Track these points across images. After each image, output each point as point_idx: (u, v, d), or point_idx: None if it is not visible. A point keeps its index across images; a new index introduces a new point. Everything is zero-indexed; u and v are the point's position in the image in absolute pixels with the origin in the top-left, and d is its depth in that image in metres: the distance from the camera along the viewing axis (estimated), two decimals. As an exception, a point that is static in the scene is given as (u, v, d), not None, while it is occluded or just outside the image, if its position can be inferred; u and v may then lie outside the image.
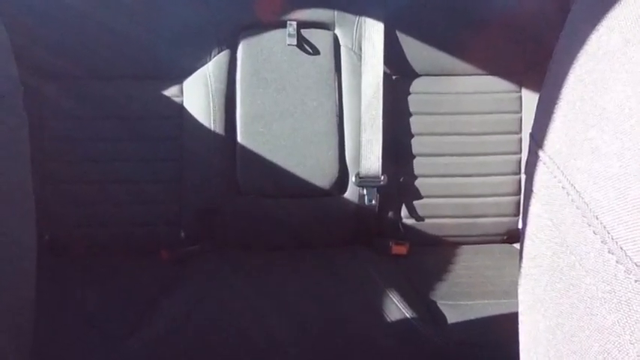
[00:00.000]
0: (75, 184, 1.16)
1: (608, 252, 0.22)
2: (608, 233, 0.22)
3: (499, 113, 1.22)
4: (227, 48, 1.20)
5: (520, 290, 0.33)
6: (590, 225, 0.24)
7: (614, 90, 0.23)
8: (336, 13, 1.22)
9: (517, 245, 1.21)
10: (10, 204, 0.41)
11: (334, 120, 1.20)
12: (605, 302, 0.23)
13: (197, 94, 1.19)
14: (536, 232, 0.30)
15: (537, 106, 0.32)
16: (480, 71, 1.22)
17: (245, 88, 1.19)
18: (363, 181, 1.19)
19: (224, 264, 1.10)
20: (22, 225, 0.43)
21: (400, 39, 1.22)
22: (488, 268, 1.13)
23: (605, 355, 0.22)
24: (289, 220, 1.19)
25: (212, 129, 1.18)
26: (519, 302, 0.33)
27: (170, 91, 1.19)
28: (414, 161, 1.22)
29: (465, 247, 1.23)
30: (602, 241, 0.23)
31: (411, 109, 1.22)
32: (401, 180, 1.22)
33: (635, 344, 0.21)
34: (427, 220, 1.23)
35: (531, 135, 0.32)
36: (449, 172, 1.22)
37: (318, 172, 1.20)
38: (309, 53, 1.21)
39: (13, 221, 0.42)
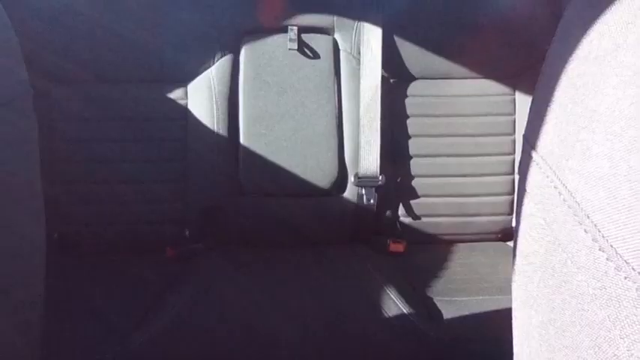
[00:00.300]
0: (83, 184, 1.16)
1: (599, 250, 0.22)
2: (599, 232, 0.22)
3: (493, 115, 1.22)
4: (230, 52, 1.21)
5: (514, 287, 0.33)
6: (581, 224, 0.24)
7: (604, 93, 0.23)
8: (335, 18, 1.23)
9: (511, 243, 1.21)
10: (20, 203, 0.41)
11: (334, 122, 1.21)
12: (595, 298, 0.23)
13: (201, 97, 1.19)
14: (529, 230, 0.30)
15: (530, 109, 0.32)
16: (474, 74, 1.22)
17: (247, 91, 1.20)
18: (361, 181, 1.19)
19: (227, 261, 1.10)
20: (31, 223, 0.43)
21: (398, 43, 1.22)
22: (483, 265, 1.13)
23: (596, 349, 0.23)
24: (290, 218, 1.19)
25: (215, 130, 1.18)
26: (513, 298, 0.33)
27: (175, 94, 1.20)
28: (411, 162, 1.22)
29: (460, 245, 1.23)
30: (593, 240, 0.23)
31: (408, 112, 1.22)
32: (398, 180, 1.22)
33: (625, 339, 0.21)
34: (424, 219, 1.23)
35: (524, 136, 0.32)
36: (445, 172, 1.22)
37: (318, 172, 1.20)
38: (309, 57, 1.21)
39: (23, 220, 0.42)
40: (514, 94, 1.22)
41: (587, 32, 0.25)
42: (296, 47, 1.20)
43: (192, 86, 1.20)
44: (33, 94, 0.42)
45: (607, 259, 0.22)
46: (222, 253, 1.13)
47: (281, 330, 0.87)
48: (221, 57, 1.20)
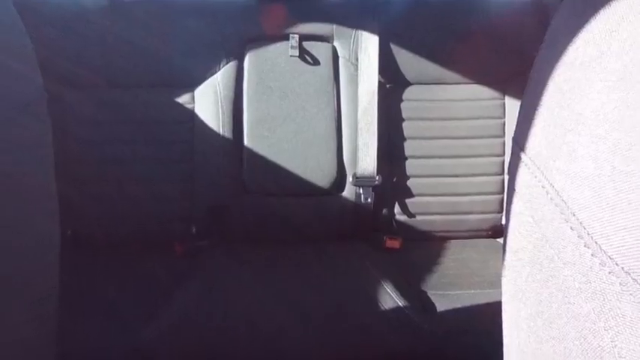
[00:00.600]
0: (95, 184, 1.16)
1: (584, 246, 0.22)
2: (584, 229, 0.22)
3: (484, 119, 1.22)
4: (234, 59, 1.21)
5: (503, 281, 0.33)
6: (567, 221, 0.24)
7: (589, 97, 0.23)
8: (334, 27, 1.23)
9: (501, 240, 1.21)
10: (36, 202, 0.41)
11: (333, 125, 1.21)
12: (581, 292, 0.23)
13: (207, 101, 1.19)
14: (518, 227, 0.30)
15: (519, 112, 0.32)
16: (466, 80, 1.22)
17: (251, 96, 1.20)
18: (359, 181, 1.19)
19: (232, 257, 1.10)
20: (46, 221, 0.43)
21: (393, 51, 1.22)
22: (474, 260, 1.13)
23: (582, 340, 0.23)
24: (291, 216, 1.20)
25: (221, 133, 1.18)
26: (503, 292, 0.33)
27: (182, 99, 1.20)
28: (407, 163, 1.22)
29: (453, 241, 1.23)
30: (578, 236, 0.23)
31: (404, 115, 1.22)
32: (394, 180, 1.22)
33: (609, 330, 0.21)
34: (418, 217, 1.23)
35: (514, 139, 0.32)
36: (438, 172, 1.22)
37: (318, 172, 1.20)
38: (309, 64, 1.21)
39: (38, 218, 0.42)
40: (504, 99, 1.22)
41: (573, 40, 0.25)
42: (297, 54, 1.20)
43: (199, 91, 1.20)
44: (47, 98, 0.42)
45: (592, 254, 0.22)
46: (227, 249, 1.14)
47: (283, 323, 0.87)
48: (226, 63, 1.20)
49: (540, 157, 0.27)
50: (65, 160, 1.13)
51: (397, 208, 1.23)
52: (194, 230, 1.17)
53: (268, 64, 1.20)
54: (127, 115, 1.18)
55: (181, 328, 0.85)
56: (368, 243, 1.18)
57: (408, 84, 1.23)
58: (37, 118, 0.40)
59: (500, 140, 1.22)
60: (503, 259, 0.33)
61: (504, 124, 1.22)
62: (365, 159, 1.19)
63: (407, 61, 1.22)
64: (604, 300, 0.21)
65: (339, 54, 1.23)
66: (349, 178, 1.21)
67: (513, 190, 0.31)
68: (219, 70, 1.20)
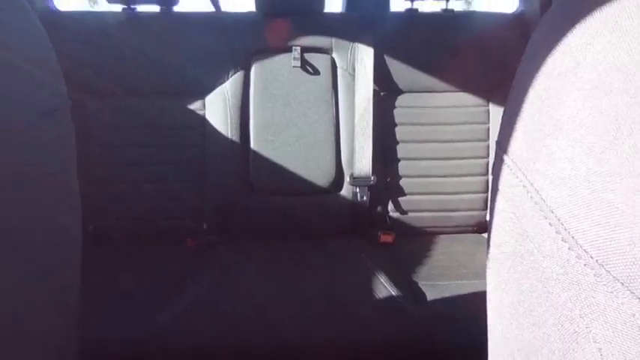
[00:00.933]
0: (114, 184, 1.16)
1: (562, 240, 0.22)
2: (562, 225, 0.22)
3: (470, 124, 1.22)
4: (242, 69, 1.21)
5: (488, 272, 0.33)
6: (546, 218, 0.24)
7: (566, 104, 0.23)
8: (333, 40, 1.23)
9: (485, 235, 1.21)
10: (60, 200, 0.41)
11: (332, 129, 1.21)
12: (559, 282, 0.23)
13: (217, 108, 1.19)
14: (501, 223, 0.30)
15: (502, 118, 0.32)
16: (454, 89, 1.22)
17: (257, 103, 1.20)
18: (356, 180, 1.19)
19: (239, 251, 1.10)
20: (69, 218, 0.43)
21: (387, 62, 1.22)
22: (461, 254, 1.13)
23: (559, 326, 0.23)
24: (294, 213, 1.20)
25: (229, 137, 1.18)
26: (487, 282, 0.33)
27: (194, 106, 1.20)
28: (399, 164, 1.22)
29: (441, 236, 1.23)
30: (556, 232, 0.23)
31: (397, 121, 1.22)
32: (388, 180, 1.22)
33: (584, 317, 0.21)
34: (410, 214, 1.23)
35: (497, 142, 0.32)
36: (428, 173, 1.22)
37: (318, 173, 1.20)
38: (310, 74, 1.22)
39: (62, 215, 0.42)
40: (488, 106, 1.22)
41: (552, 52, 0.25)
42: (299, 65, 1.20)
43: (209, 99, 1.20)
44: (70, 105, 0.42)
45: (569, 248, 0.22)
46: (235, 244, 1.14)
47: (285, 311, 0.87)
48: (234, 73, 1.20)
49: (521, 159, 0.27)
50: (87, 162, 1.14)
51: (391, 206, 1.23)
52: (205, 226, 1.17)
53: (272, 74, 1.21)
54: (143, 120, 1.18)
55: (193, 315, 0.85)
56: (364, 238, 1.18)
57: (400, 92, 1.23)
58: (61, 123, 0.40)
59: (484, 144, 1.22)
60: (487, 253, 0.33)
61: (488, 129, 1.22)
62: (361, 161, 1.19)
63: (399, 71, 1.22)
64: (579, 290, 0.21)
65: (338, 65, 1.23)
66: (347, 178, 1.21)
67: (497, 189, 0.31)
68: (228, 79, 1.20)
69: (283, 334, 0.82)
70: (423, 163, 1.22)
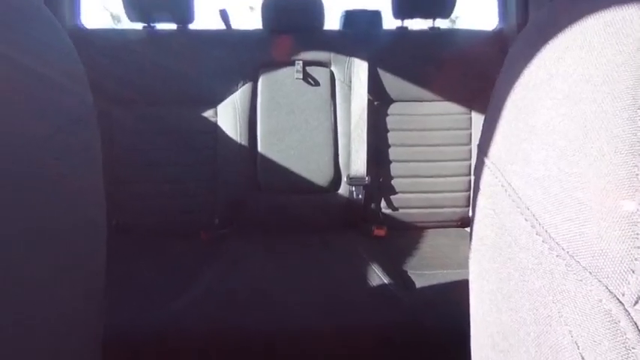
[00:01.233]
0: (136, 183, 1.16)
1: (536, 234, 0.22)
2: (536, 220, 0.22)
3: (454, 130, 1.22)
4: (250, 81, 1.21)
5: (470, 262, 0.33)
6: (522, 214, 0.24)
7: (541, 112, 0.23)
8: (332, 54, 1.23)
9: (468, 229, 1.21)
10: (86, 198, 0.41)
11: (330, 135, 1.21)
12: (534, 272, 0.23)
13: (228, 116, 1.19)
14: (482, 219, 0.30)
15: (483, 125, 0.31)
16: (440, 98, 1.22)
17: (263, 111, 1.20)
18: (352, 180, 1.19)
19: (247, 243, 1.10)
20: (95, 213, 0.43)
21: (380, 74, 1.22)
22: (447, 246, 1.13)
23: (534, 311, 0.23)
24: (296, 210, 1.20)
25: (239, 141, 1.18)
26: (470, 271, 0.33)
27: (207, 113, 1.20)
28: (391, 166, 1.22)
29: (429, 230, 1.23)
30: (531, 226, 0.23)
31: (389, 127, 1.22)
32: (381, 180, 1.22)
33: (557, 303, 0.21)
34: (400, 210, 1.23)
35: (479, 146, 0.32)
36: (417, 173, 1.22)
37: (318, 173, 1.20)
38: (311, 85, 1.21)
39: (88, 210, 0.42)
40: (470, 113, 1.22)
41: (527, 65, 0.25)
42: (301, 77, 1.20)
43: (220, 107, 1.20)
44: (97, 113, 0.42)
45: (543, 241, 0.22)
46: (244, 237, 1.14)
47: (289, 296, 0.87)
48: (243, 84, 1.20)
49: (500, 161, 0.27)
50: (111, 163, 1.14)
51: (383, 203, 1.23)
52: (216, 221, 1.17)
53: (278, 85, 1.21)
54: (161, 127, 1.18)
55: (206, 301, 0.85)
56: (359, 232, 1.18)
57: (392, 101, 1.23)
58: (88, 129, 0.40)
59: (467, 147, 1.22)
60: (469, 245, 0.33)
61: (471, 134, 1.22)
62: (357, 162, 1.19)
63: (391, 82, 1.22)
64: (552, 278, 0.21)
65: (336, 77, 1.23)
66: (344, 179, 1.21)
67: (478, 188, 0.31)
68: (238, 89, 1.20)
69: (286, 317, 0.82)
70: (412, 164, 1.22)
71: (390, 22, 1.41)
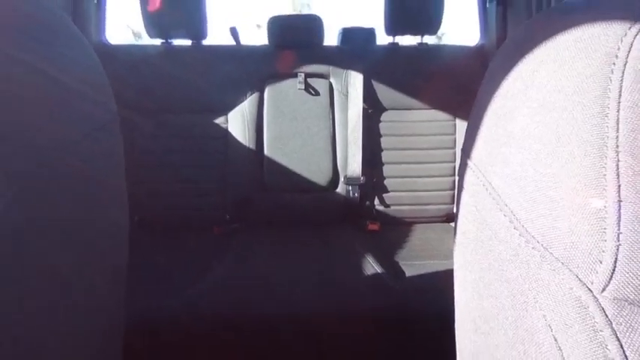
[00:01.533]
0: (155, 183, 1.16)
1: (514, 228, 0.22)
2: (514, 216, 0.22)
3: (440, 135, 1.22)
4: (257, 91, 1.21)
5: (455, 254, 0.33)
6: (501, 210, 0.24)
7: (518, 120, 0.23)
8: (330, 68, 1.23)
9: (452, 224, 1.21)
10: (111, 197, 0.41)
11: (329, 140, 1.21)
12: (511, 262, 0.23)
13: (237, 122, 1.19)
14: (465, 214, 0.30)
15: (466, 130, 0.32)
16: (427, 107, 1.22)
17: (269, 118, 1.20)
18: (348, 180, 1.19)
19: (255, 237, 1.10)
20: (119, 211, 0.43)
21: (374, 85, 1.22)
22: (434, 239, 1.13)
23: (512, 297, 0.23)
24: (299, 207, 1.20)
25: (247, 146, 1.18)
26: (454, 262, 0.33)
27: (219, 120, 1.20)
28: (384, 167, 1.23)
29: (417, 225, 1.23)
30: (509, 221, 0.23)
31: (381, 132, 1.22)
32: (374, 180, 1.22)
33: (532, 290, 0.21)
34: (392, 207, 1.23)
35: (462, 150, 0.32)
36: (407, 174, 1.22)
37: (318, 174, 1.20)
38: (312, 95, 1.21)
39: (113, 208, 0.42)
40: (455, 120, 1.22)
41: (506, 77, 0.25)
42: (303, 88, 1.20)
43: (231, 115, 1.20)
44: (119, 120, 0.42)
45: (520, 235, 0.22)
46: (252, 231, 1.14)
47: (292, 284, 0.87)
48: (251, 94, 1.20)
49: (482, 163, 0.27)
50: (133, 165, 1.13)
51: (376, 201, 1.23)
52: (227, 217, 1.17)
53: (282, 95, 1.21)
54: (177, 132, 1.18)
55: (218, 288, 0.85)
56: (355, 226, 1.18)
57: (384, 109, 1.23)
58: (112, 135, 0.40)
59: (452, 151, 1.22)
60: (454, 238, 0.33)
61: (455, 139, 1.22)
62: (353, 164, 1.19)
63: (384, 92, 1.22)
64: (528, 268, 0.21)
65: (334, 88, 1.23)
66: (341, 179, 1.21)
67: (462, 187, 0.31)
68: (246, 99, 1.20)
69: (289, 303, 0.82)
70: (403, 166, 1.22)
71: (382, 39, 1.41)
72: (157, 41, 1.21)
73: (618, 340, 0.18)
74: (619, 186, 0.17)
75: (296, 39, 1.22)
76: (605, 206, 0.18)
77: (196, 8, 1.17)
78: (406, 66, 1.21)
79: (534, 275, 0.21)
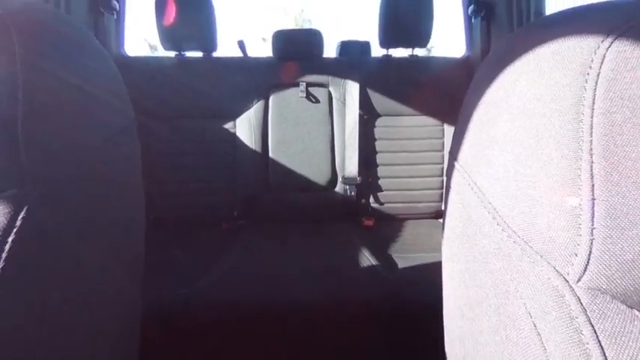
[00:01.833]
0: (169, 184, 1.16)
1: (497, 224, 0.22)
2: (497, 212, 0.23)
3: (430, 139, 1.22)
4: (263, 99, 1.21)
5: (443, 247, 0.33)
6: (485, 207, 0.24)
7: (500, 125, 0.23)
8: (330, 77, 1.23)
9: (441, 220, 1.21)
10: (129, 196, 0.41)
11: (328, 143, 1.21)
12: (494, 255, 0.23)
13: (244, 127, 1.19)
14: (452, 211, 0.30)
15: (453, 135, 0.32)
16: (418, 113, 1.22)
17: (273, 124, 1.20)
18: (346, 180, 1.19)
19: (260, 232, 1.10)
20: (136, 209, 0.43)
21: (369, 93, 1.22)
22: (424, 234, 1.13)
23: (495, 287, 0.23)
24: (301, 205, 1.20)
25: (253, 149, 1.18)
26: (442, 254, 0.33)
27: (228, 126, 1.20)
28: (378, 168, 1.22)
29: (409, 221, 1.23)
30: (492, 218, 0.23)
31: (376, 137, 1.22)
32: (370, 180, 1.22)
33: (513, 280, 0.21)
34: (386, 205, 1.23)
35: (450, 152, 0.32)
36: (399, 175, 1.22)
37: (318, 175, 1.20)
38: (313, 102, 1.21)
39: (131, 206, 0.42)
40: (443, 126, 1.22)
41: (489, 86, 0.25)
42: (305, 96, 1.20)
43: (238, 120, 1.20)
44: (137, 125, 0.42)
45: (502, 230, 0.22)
46: (257, 227, 1.13)
47: (295, 275, 0.87)
48: (257, 102, 1.20)
49: (467, 164, 0.27)
50: (149, 167, 1.13)
51: (372, 199, 1.23)
52: (235, 214, 1.17)
53: (285, 103, 1.21)
54: (190, 136, 1.18)
55: (226, 279, 0.85)
56: (352, 222, 1.18)
57: (379, 115, 1.23)
58: (130, 139, 0.40)
59: (440, 153, 1.22)
60: (442, 233, 0.33)
61: (443, 143, 1.22)
62: (350, 166, 1.19)
63: (378, 100, 1.22)
64: (510, 260, 0.21)
65: (333, 95, 1.23)
66: (339, 179, 1.21)
67: (449, 186, 0.31)
68: (253, 106, 1.20)
69: (292, 292, 0.82)
70: (396, 167, 1.22)
71: (377, 51, 1.41)
72: (172, 53, 1.21)
73: (592, 325, 0.18)
74: (593, 185, 0.17)
75: (298, 51, 1.22)
76: (580, 204, 0.18)
77: (207, 23, 1.17)
78: (398, 76, 1.21)
79: (515, 267, 0.21)
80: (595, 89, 0.17)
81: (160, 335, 0.75)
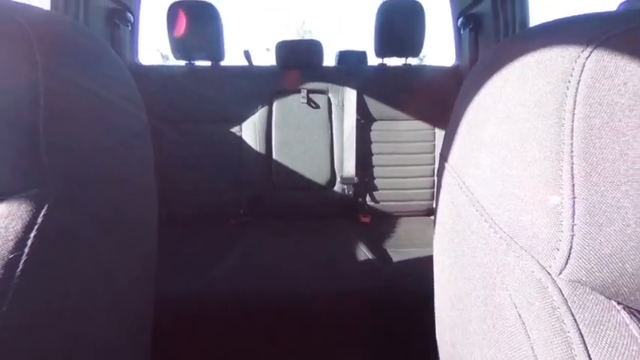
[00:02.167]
0: (180, 183, 1.16)
1: (484, 221, 0.22)
2: (484, 210, 0.23)
3: (422, 142, 1.22)
4: (266, 105, 1.21)
5: (434, 243, 0.33)
6: (473, 205, 0.24)
7: (487, 129, 0.23)
8: (329, 85, 1.23)
9: (432, 217, 1.21)
10: (142, 194, 0.41)
11: (328, 146, 1.21)
12: (482, 250, 0.23)
13: (249, 131, 1.19)
14: (443, 209, 0.30)
15: (444, 138, 0.32)
16: (411, 117, 1.22)
17: (277, 128, 1.20)
18: (344, 180, 1.19)
19: (265, 228, 1.10)
20: (149, 207, 0.43)
21: (366, 99, 1.22)
22: (416, 230, 1.13)
23: (482, 279, 0.23)
24: (302, 203, 1.20)
25: (258, 151, 1.18)
26: (434, 249, 0.33)
27: (234, 129, 1.20)
28: (374, 169, 1.23)
29: (403, 218, 1.23)
30: (480, 215, 0.23)
31: (372, 140, 1.22)
32: (366, 180, 1.22)
33: (500, 273, 0.21)
34: (381, 203, 1.23)
35: (441, 154, 0.32)
36: (393, 175, 1.22)
37: (318, 175, 1.20)
38: (313, 107, 1.22)
39: (145, 204, 0.42)
40: (434, 129, 1.22)
41: (477, 93, 0.25)
42: (306, 102, 1.20)
43: (244, 125, 1.20)
44: (150, 129, 0.42)
45: (489, 226, 0.22)
46: (262, 223, 1.14)
47: (297, 268, 0.87)
48: (261, 107, 1.20)
49: (457, 165, 0.27)
50: (161, 167, 1.13)
51: (368, 198, 1.23)
52: (241, 211, 1.17)
53: (287, 108, 1.21)
54: (199, 139, 1.18)
55: (233, 272, 0.85)
56: (349, 219, 1.18)
57: (374, 120, 1.23)
58: (143, 142, 0.40)
59: (431, 155, 1.22)
60: (433, 229, 0.33)
61: (434, 145, 1.22)
62: (348, 167, 1.19)
63: (374, 106, 1.22)
64: (496, 255, 0.21)
65: (332, 101, 1.23)
66: (338, 179, 1.21)
67: (440, 186, 0.31)
68: (257, 112, 1.20)
69: (294, 284, 0.82)
70: (390, 168, 1.22)
71: (373, 60, 1.41)
72: (182, 62, 1.22)
73: (572, 315, 0.18)
74: (573, 185, 0.17)
75: (299, 60, 1.22)
76: (561, 202, 0.18)
77: (215, 34, 1.17)
78: (393, 83, 1.22)
79: (501, 261, 0.21)
80: (575, 95, 0.17)
81: (172, 323, 0.75)
